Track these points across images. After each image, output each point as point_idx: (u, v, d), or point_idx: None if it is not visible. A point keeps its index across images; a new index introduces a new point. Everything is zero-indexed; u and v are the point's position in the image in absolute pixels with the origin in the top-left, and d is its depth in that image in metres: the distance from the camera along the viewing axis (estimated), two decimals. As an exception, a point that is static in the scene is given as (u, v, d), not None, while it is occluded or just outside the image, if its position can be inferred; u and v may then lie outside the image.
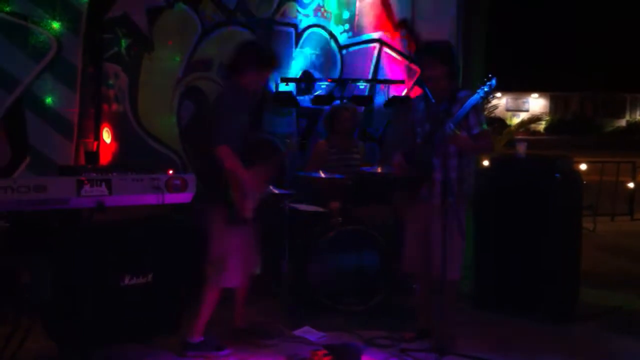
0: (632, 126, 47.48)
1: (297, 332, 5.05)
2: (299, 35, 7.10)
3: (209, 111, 4.61)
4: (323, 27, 7.28)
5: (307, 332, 5.05)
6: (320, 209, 5.85)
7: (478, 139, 4.65)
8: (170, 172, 4.84)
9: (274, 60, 4.73)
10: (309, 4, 7.11)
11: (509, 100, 46.37)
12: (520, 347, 4.94)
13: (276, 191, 5.28)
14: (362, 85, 7.23)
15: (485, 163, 7.15)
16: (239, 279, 4.67)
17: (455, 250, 4.62)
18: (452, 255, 4.55)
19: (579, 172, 6.27)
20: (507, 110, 44.22)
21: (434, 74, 4.67)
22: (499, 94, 16.07)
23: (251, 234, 4.71)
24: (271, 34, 6.80)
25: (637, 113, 50.37)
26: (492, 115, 15.65)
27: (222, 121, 4.42)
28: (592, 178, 10.86)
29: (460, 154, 4.65)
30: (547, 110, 47.32)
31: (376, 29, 7.34)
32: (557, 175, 5.21)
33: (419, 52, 4.81)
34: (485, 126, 4.67)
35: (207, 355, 4.59)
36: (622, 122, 48.73)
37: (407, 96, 7.12)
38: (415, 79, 7.08)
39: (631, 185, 11.51)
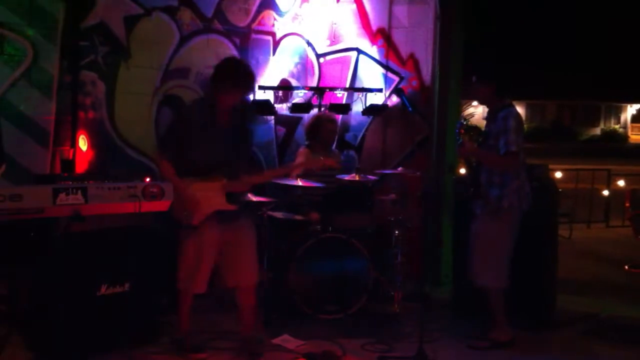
0: (607, 134, 48.00)
1: (276, 341, 5.03)
2: (276, 43, 7.11)
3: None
4: (300, 36, 7.30)
5: (286, 341, 5.03)
6: (299, 217, 5.85)
7: (502, 159, 4.91)
8: (147, 180, 4.82)
9: (250, 82, 4.59)
10: (287, 12, 7.13)
11: (486, 109, 46.53)
12: (498, 355, 4.96)
13: (255, 199, 5.28)
14: (339, 93, 7.25)
15: (462, 171, 7.19)
16: (194, 284, 4.54)
17: (488, 258, 4.98)
18: (484, 262, 4.99)
19: (554, 179, 6.31)
20: (484, 119, 44.33)
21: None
22: (475, 103, 16.16)
23: (220, 242, 4.56)
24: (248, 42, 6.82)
25: (612, 121, 50.93)
26: (469, 123, 15.82)
27: (169, 129, 4.57)
28: (567, 186, 10.96)
29: (503, 171, 4.97)
30: (523, 118, 47.72)
31: (353, 37, 7.36)
32: (533, 182, 5.24)
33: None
34: (513, 148, 4.86)
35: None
36: (597, 130, 49.24)
37: (384, 105, 7.14)
38: (392, 87, 7.10)
39: (606, 192, 11.61)
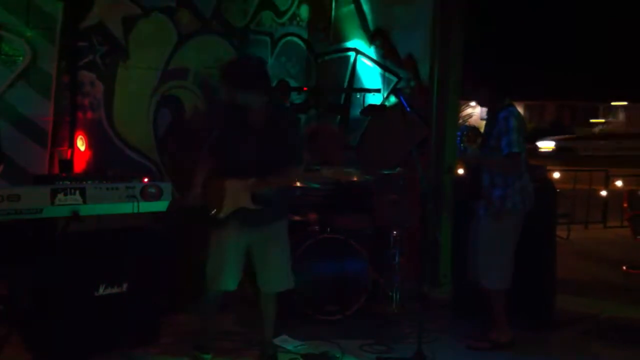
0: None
1: (275, 341, 5.01)
2: (274, 43, 7.10)
3: None
4: (299, 36, 7.30)
5: (285, 341, 5.03)
6: (298, 218, 5.85)
7: (505, 161, 4.86)
8: (146, 180, 4.82)
9: (267, 83, 4.55)
10: (285, 12, 7.13)
11: (484, 109, 46.60)
12: (498, 356, 4.96)
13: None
14: (337, 94, 7.25)
15: (461, 171, 7.19)
16: (221, 281, 4.45)
17: (491, 259, 4.95)
18: (488, 263, 4.95)
19: (552, 180, 6.31)
20: (482, 119, 44.37)
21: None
22: (473, 103, 16.16)
23: (245, 242, 4.45)
24: (247, 42, 6.82)
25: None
26: (467, 123, 15.85)
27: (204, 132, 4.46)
28: (565, 186, 10.96)
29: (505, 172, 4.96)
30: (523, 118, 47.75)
31: (352, 38, 7.36)
32: (533, 183, 5.24)
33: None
34: (516, 149, 4.81)
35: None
36: (597, 131, 49.25)
37: (382, 105, 7.14)
38: (390, 88, 7.10)
39: (604, 193, 11.61)
